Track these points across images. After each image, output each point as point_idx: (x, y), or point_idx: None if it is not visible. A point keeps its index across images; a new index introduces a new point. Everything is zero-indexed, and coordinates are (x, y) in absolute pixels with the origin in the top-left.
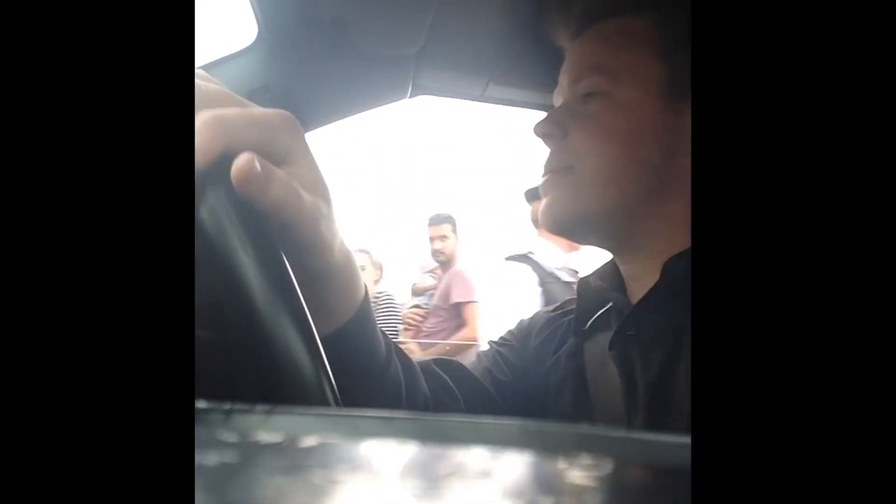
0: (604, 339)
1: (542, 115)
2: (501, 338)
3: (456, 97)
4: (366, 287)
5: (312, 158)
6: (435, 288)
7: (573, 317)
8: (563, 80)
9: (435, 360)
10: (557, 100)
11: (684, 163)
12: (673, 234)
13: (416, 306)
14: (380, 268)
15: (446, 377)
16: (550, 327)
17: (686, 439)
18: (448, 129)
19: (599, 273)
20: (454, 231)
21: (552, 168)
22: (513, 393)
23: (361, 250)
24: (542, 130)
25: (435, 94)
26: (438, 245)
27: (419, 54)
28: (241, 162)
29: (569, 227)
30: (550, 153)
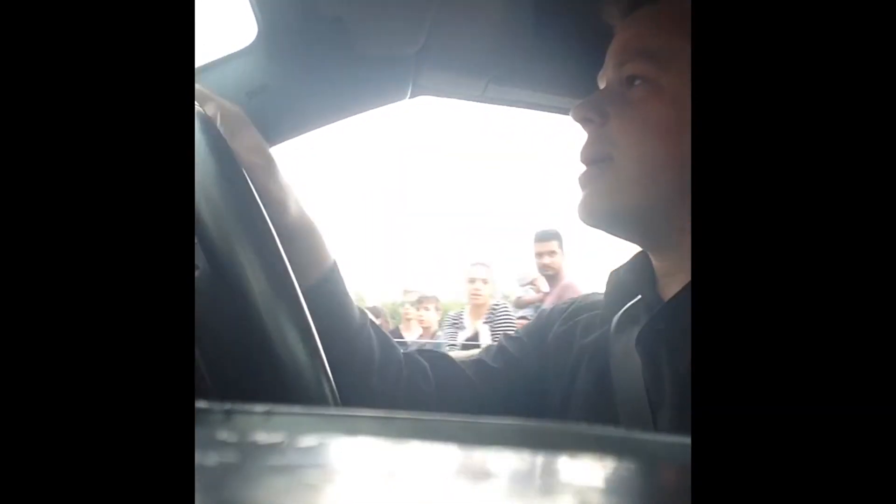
0: (630, 332)
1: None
2: (514, 332)
3: (456, 97)
4: (334, 261)
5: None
6: (539, 301)
7: (600, 310)
8: (609, 60)
9: (418, 350)
10: (601, 81)
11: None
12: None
13: (523, 317)
14: (492, 281)
15: (426, 364)
16: (574, 318)
17: (686, 439)
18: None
19: (630, 266)
20: (561, 247)
21: (590, 158)
22: (505, 381)
23: (480, 263)
24: (582, 115)
25: (435, 95)
26: (547, 260)
27: (419, 54)
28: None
29: (605, 222)
30: (588, 140)
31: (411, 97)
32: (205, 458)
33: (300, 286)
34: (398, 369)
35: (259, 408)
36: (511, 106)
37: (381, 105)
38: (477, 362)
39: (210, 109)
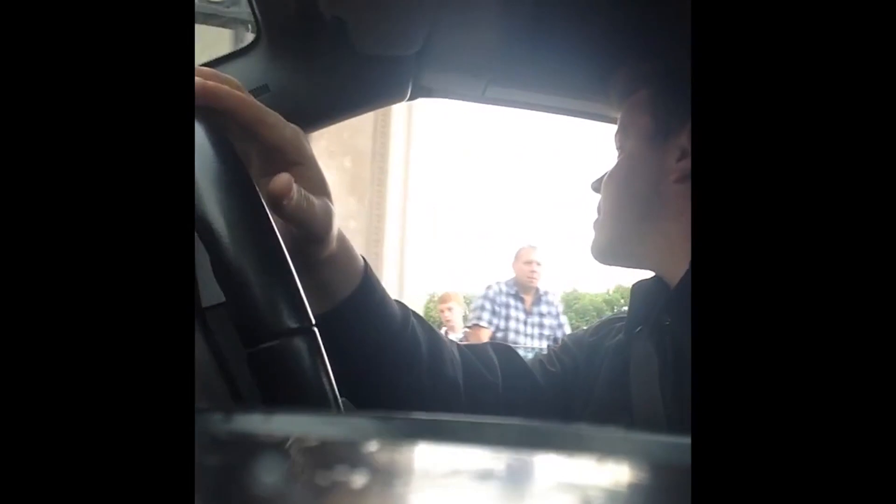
0: (649, 334)
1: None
2: (561, 340)
3: (456, 98)
4: (365, 260)
5: (316, 161)
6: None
7: (626, 317)
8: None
9: (491, 343)
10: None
11: (670, 188)
12: (673, 246)
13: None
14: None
15: (495, 358)
16: (605, 329)
17: (686, 439)
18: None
19: (649, 280)
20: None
21: (596, 212)
22: (561, 383)
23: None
24: (593, 187)
25: (435, 95)
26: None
27: (419, 54)
28: (280, 182)
29: (605, 259)
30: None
31: (411, 97)
32: (205, 458)
33: (346, 293)
34: (452, 366)
35: (259, 408)
36: (511, 106)
37: (382, 105)
38: (539, 363)
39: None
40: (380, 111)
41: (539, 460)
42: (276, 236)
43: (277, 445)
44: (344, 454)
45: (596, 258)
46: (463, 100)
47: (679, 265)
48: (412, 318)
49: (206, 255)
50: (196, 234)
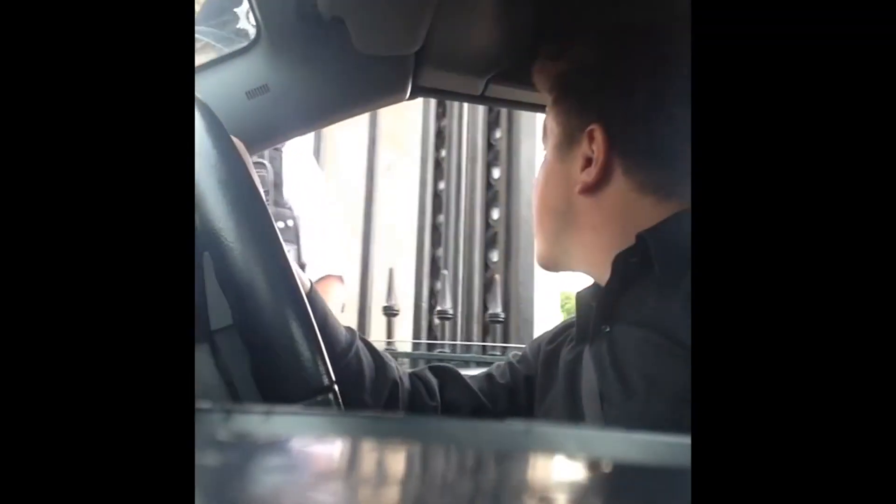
0: (591, 348)
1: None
2: (522, 351)
3: (456, 97)
4: (311, 284)
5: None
6: None
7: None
8: None
9: (431, 366)
10: None
11: (577, 200)
12: (594, 255)
13: None
14: None
15: (434, 381)
16: (558, 339)
17: (686, 439)
18: None
19: (590, 287)
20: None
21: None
22: (507, 395)
23: None
24: None
25: (435, 95)
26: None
27: (419, 54)
28: None
29: (545, 268)
30: None
31: (411, 97)
32: (205, 458)
33: None
34: (394, 389)
35: (259, 408)
36: (511, 107)
37: (381, 105)
38: (487, 377)
39: None
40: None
41: (539, 460)
42: (302, 295)
43: (277, 445)
44: (344, 454)
45: (540, 266)
46: (463, 99)
47: (606, 272)
48: (357, 343)
49: (215, 280)
50: (220, 286)
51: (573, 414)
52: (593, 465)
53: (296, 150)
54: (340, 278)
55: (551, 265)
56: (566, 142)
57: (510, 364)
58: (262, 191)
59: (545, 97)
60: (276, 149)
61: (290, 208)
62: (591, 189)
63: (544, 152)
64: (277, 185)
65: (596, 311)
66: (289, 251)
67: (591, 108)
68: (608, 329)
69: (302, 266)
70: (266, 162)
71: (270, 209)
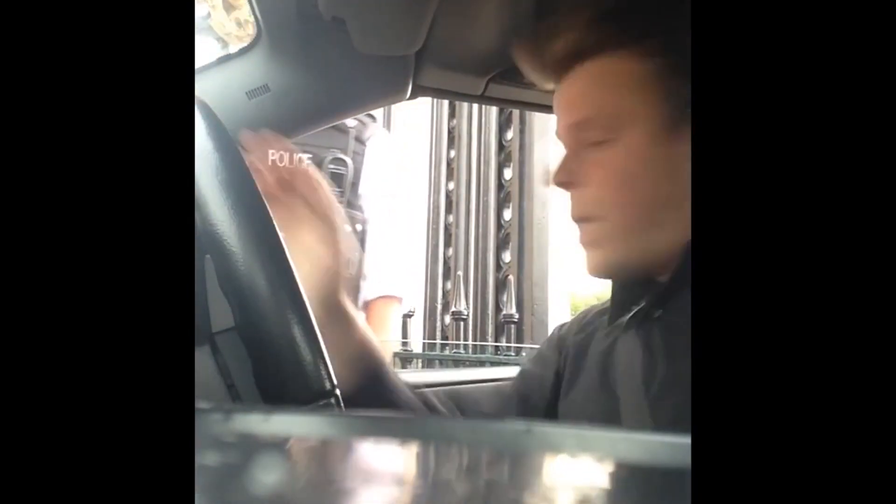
0: (634, 333)
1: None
2: (541, 354)
3: (457, 97)
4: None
5: None
6: None
7: (608, 314)
8: (560, 119)
9: (449, 392)
10: (561, 135)
11: (686, 177)
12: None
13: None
14: None
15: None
16: (589, 329)
17: (686, 439)
18: None
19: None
20: None
21: (580, 217)
22: (546, 410)
23: None
24: (560, 181)
25: (436, 95)
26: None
27: (419, 54)
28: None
29: (612, 275)
30: (573, 200)
31: (411, 97)
32: (205, 458)
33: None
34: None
35: (259, 408)
36: (512, 106)
37: (382, 104)
38: (522, 403)
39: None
40: None
41: (539, 460)
42: (304, 300)
43: (277, 445)
44: (344, 454)
45: (602, 276)
46: (463, 99)
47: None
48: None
49: (216, 282)
50: (222, 288)
51: (606, 404)
52: (593, 466)
53: (380, 145)
54: (399, 299)
55: (628, 269)
56: (670, 123)
57: (541, 378)
58: (336, 189)
59: (634, 67)
60: (361, 142)
61: (362, 210)
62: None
63: (607, 150)
64: (354, 183)
65: (652, 296)
66: (351, 261)
67: None
68: (659, 313)
69: (360, 280)
70: (347, 158)
71: (344, 210)
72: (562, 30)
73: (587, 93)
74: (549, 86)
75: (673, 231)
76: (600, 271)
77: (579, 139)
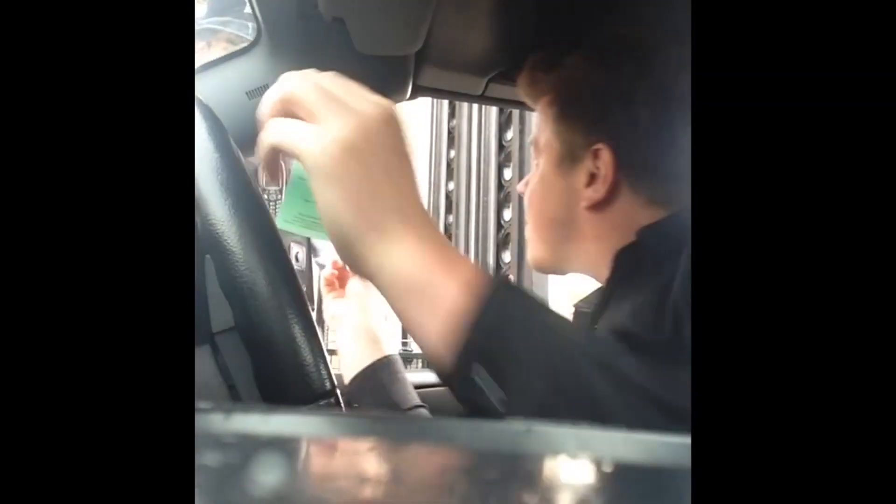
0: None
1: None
2: None
3: (457, 97)
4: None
5: None
6: None
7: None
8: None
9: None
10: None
11: (582, 215)
12: (596, 262)
13: None
14: None
15: None
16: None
17: (686, 439)
18: None
19: (586, 299)
20: None
21: (525, 220)
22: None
23: None
24: (520, 189)
25: (436, 95)
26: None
27: (420, 54)
28: None
29: (541, 271)
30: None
31: (411, 97)
32: (205, 458)
33: None
34: None
35: (259, 408)
36: (512, 106)
37: None
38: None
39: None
40: None
41: (539, 460)
42: (306, 301)
43: (277, 445)
44: (344, 454)
45: (533, 269)
46: (463, 99)
47: (605, 272)
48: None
49: (216, 282)
50: (222, 288)
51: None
52: (593, 466)
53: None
54: None
55: (548, 269)
56: (568, 158)
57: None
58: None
59: (541, 108)
60: None
61: None
62: (599, 205)
63: (536, 161)
64: None
65: (599, 297)
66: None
67: (596, 127)
68: (595, 328)
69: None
70: None
71: None
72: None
73: (538, 119)
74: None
75: (562, 244)
76: (529, 262)
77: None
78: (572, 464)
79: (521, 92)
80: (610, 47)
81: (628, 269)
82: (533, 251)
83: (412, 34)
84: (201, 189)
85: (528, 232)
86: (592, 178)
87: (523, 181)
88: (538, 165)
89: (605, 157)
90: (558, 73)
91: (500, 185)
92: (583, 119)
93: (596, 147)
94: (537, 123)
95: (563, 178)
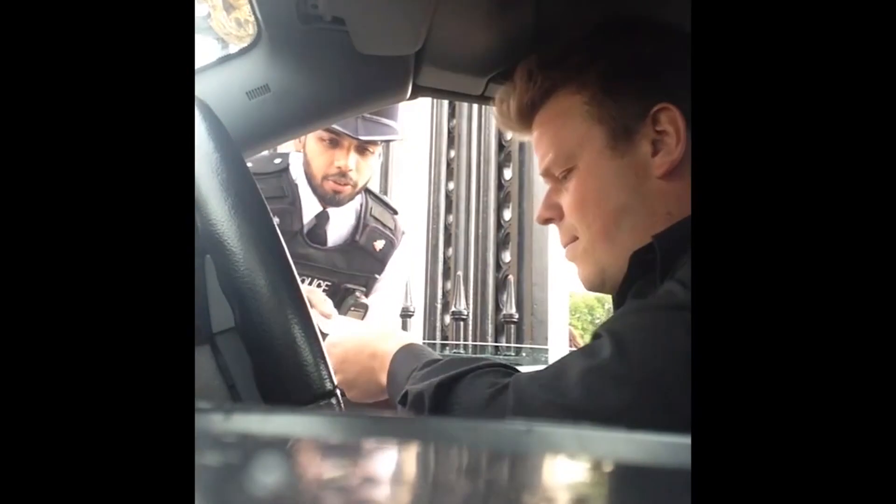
0: None
1: None
2: None
3: (457, 97)
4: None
5: None
6: None
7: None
8: (539, 163)
9: None
10: (542, 176)
11: (654, 187)
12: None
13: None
14: None
15: None
16: None
17: (686, 439)
18: None
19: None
20: None
21: (564, 242)
22: None
23: None
24: (544, 217)
25: (436, 95)
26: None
27: (420, 54)
28: None
29: (595, 287)
30: (559, 231)
31: (411, 97)
32: (205, 458)
33: None
34: None
35: (259, 408)
36: None
37: (381, 105)
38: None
39: None
40: None
41: (539, 460)
42: (304, 300)
43: (277, 445)
44: (344, 454)
45: (590, 289)
46: (464, 99)
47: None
48: None
49: (216, 282)
50: (222, 289)
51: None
52: (593, 466)
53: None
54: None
55: (608, 283)
56: (622, 133)
57: None
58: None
59: (573, 102)
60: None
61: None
62: (677, 167)
63: (560, 179)
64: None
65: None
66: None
67: (649, 90)
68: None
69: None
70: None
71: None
72: (514, 89)
73: (547, 136)
74: (526, 137)
75: (632, 236)
76: (585, 285)
77: (554, 177)
78: (572, 464)
79: (558, 86)
80: (632, 17)
81: (641, 271)
82: (596, 261)
83: (412, 34)
84: (201, 189)
85: (585, 243)
86: (654, 145)
87: (541, 206)
88: (574, 169)
89: (671, 115)
90: (588, 55)
91: (500, 185)
92: (634, 85)
93: (657, 109)
94: (546, 145)
95: (620, 157)
